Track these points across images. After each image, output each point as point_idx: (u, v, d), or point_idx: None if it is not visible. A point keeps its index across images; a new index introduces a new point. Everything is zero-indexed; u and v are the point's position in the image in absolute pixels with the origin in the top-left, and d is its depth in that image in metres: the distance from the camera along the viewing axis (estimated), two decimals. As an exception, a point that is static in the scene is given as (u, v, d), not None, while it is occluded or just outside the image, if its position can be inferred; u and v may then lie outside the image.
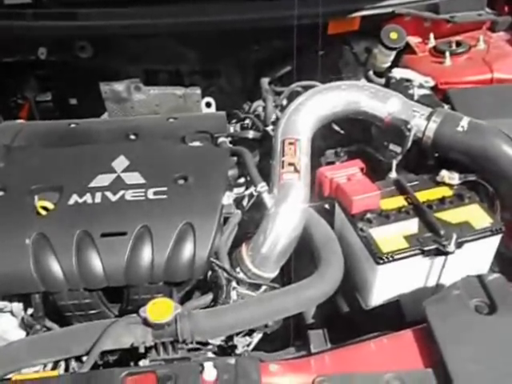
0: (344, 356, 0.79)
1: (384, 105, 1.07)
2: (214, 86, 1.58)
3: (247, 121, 1.41)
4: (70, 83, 1.55)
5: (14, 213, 0.94)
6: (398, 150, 1.05)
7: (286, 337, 1.00)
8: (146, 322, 0.82)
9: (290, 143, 1.00)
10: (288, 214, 0.95)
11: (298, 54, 1.19)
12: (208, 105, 1.44)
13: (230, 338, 0.96)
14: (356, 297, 1.00)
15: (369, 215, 0.94)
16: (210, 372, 0.70)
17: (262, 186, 0.98)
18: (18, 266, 0.88)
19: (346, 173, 1.00)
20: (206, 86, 1.53)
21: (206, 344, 0.92)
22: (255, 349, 0.99)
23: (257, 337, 0.99)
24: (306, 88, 1.23)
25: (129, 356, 0.86)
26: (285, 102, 1.37)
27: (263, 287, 0.97)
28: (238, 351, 0.97)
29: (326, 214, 1.04)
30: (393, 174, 1.04)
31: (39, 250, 0.89)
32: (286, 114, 1.07)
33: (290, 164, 0.98)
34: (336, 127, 1.30)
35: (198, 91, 1.45)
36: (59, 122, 1.23)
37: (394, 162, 1.05)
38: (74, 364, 0.88)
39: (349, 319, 1.02)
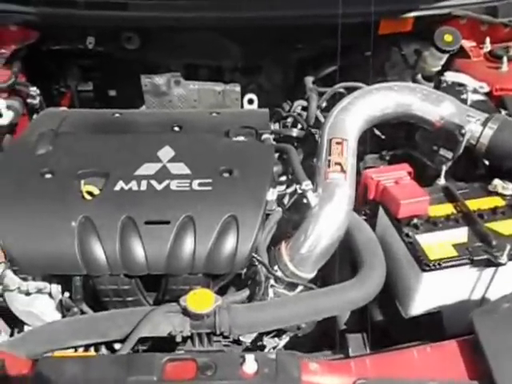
0: (385, 361, 0.77)
1: (436, 108, 1.04)
2: (253, 83, 1.56)
3: (289, 119, 1.40)
4: (111, 74, 1.57)
5: (61, 195, 0.95)
6: (449, 155, 1.02)
7: (312, 343, 0.98)
8: (185, 312, 0.82)
9: (338, 143, 0.99)
10: (332, 214, 0.93)
11: (345, 54, 1.17)
12: (250, 101, 1.43)
13: (259, 338, 0.95)
14: (395, 304, 0.97)
15: (416, 221, 0.91)
16: (250, 364, 0.69)
17: (307, 184, 0.97)
18: (64, 247, 0.89)
19: (393, 176, 0.98)
20: (245, 84, 1.52)
21: (236, 342, 0.92)
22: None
23: (285, 339, 0.97)
24: (350, 89, 1.21)
25: (164, 346, 0.85)
26: (324, 104, 1.35)
27: (300, 287, 0.95)
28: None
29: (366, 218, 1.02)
30: (441, 181, 1.01)
31: (84, 233, 0.90)
32: (333, 112, 1.05)
33: (337, 163, 0.96)
34: (377, 131, 1.27)
35: (238, 88, 1.44)
36: (103, 111, 1.25)
37: (444, 168, 1.02)
38: (103, 351, 0.89)
39: (383, 327, 0.99)
